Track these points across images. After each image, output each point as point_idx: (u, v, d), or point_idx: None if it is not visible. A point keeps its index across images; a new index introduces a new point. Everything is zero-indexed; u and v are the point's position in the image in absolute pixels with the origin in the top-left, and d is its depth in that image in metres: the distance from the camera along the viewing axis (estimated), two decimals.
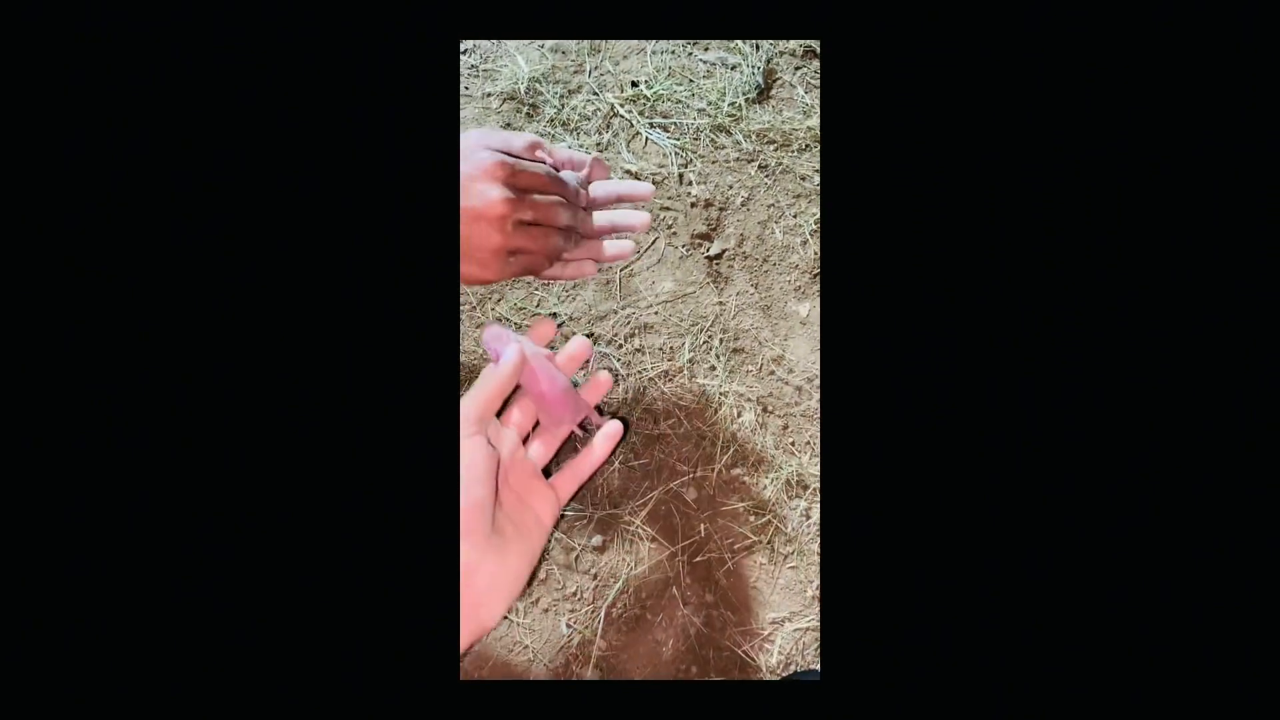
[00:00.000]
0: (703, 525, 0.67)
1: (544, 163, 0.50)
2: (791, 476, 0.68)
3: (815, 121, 0.84)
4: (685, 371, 0.72)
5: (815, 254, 0.77)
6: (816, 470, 0.68)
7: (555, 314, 0.75)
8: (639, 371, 0.72)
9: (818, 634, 0.64)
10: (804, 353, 0.74)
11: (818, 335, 0.74)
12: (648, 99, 0.85)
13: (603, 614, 0.64)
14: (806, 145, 0.83)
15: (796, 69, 0.89)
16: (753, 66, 0.87)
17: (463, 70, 0.88)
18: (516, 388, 0.43)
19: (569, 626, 0.64)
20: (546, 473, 0.44)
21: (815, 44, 0.89)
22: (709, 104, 0.85)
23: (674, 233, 0.79)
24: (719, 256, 0.78)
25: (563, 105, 0.85)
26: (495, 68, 0.88)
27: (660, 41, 0.89)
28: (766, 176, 0.82)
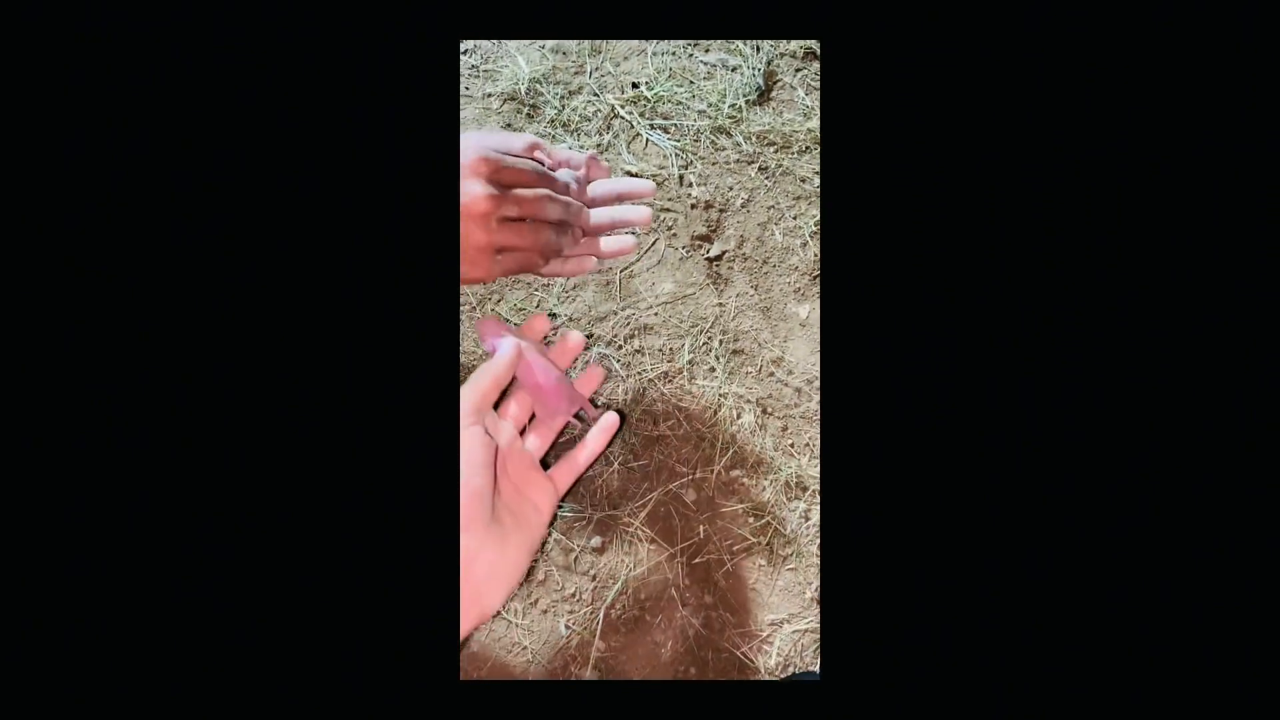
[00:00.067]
0: (702, 527, 0.67)
1: (541, 163, 0.50)
2: (791, 478, 0.68)
3: (815, 123, 0.84)
4: (685, 373, 0.72)
5: (815, 256, 0.78)
6: (816, 472, 0.68)
7: (554, 314, 0.75)
8: (638, 373, 0.72)
9: (816, 636, 0.64)
10: (803, 354, 0.74)
11: (817, 337, 0.74)
12: (648, 100, 0.85)
13: (601, 615, 0.64)
14: (807, 147, 0.83)
15: (797, 71, 0.89)
16: (753, 68, 0.87)
17: (463, 70, 0.88)
18: (512, 381, 0.43)
19: (567, 628, 0.64)
20: (545, 465, 0.44)
21: (815, 45, 0.89)
22: (709, 105, 0.85)
23: (674, 234, 0.79)
24: (719, 258, 0.78)
25: (563, 106, 0.85)
26: (495, 68, 0.88)
27: (661, 42, 0.89)
28: (767, 178, 0.82)
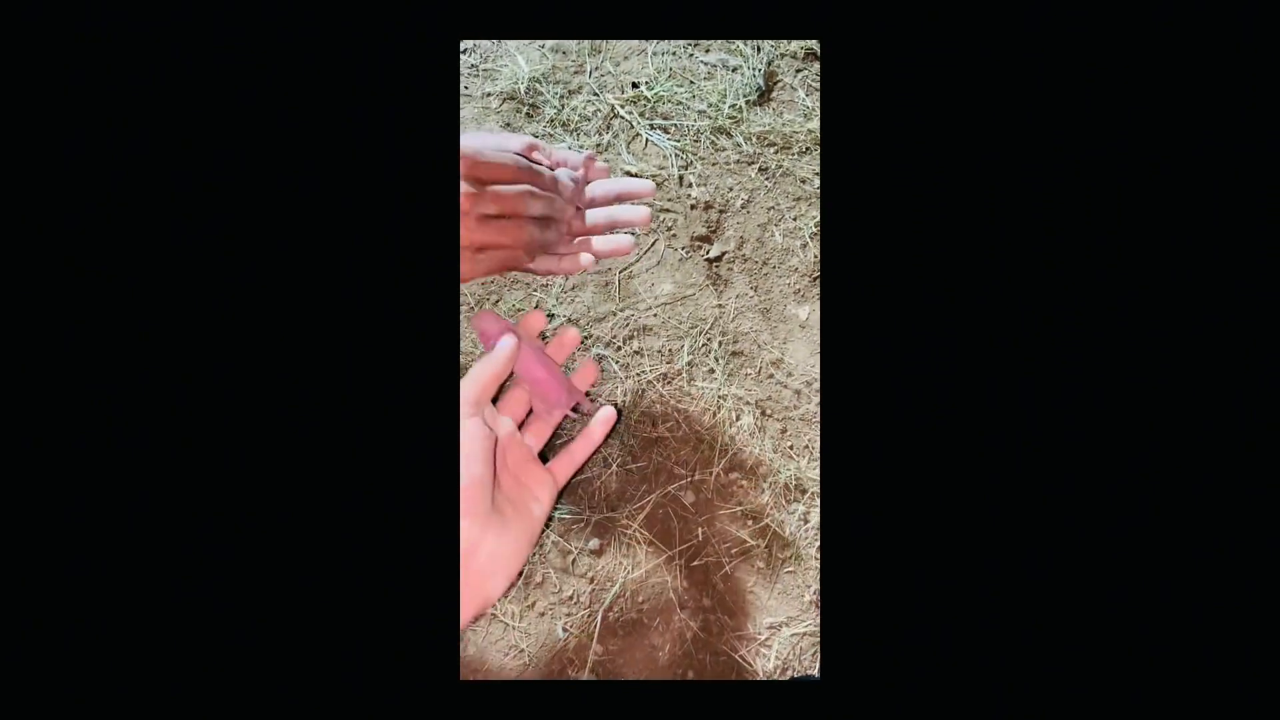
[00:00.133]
0: (700, 529, 0.67)
1: (539, 163, 0.50)
2: (790, 480, 0.68)
3: (816, 124, 0.84)
4: (684, 374, 0.72)
5: (815, 257, 0.78)
6: (815, 474, 0.68)
7: (551, 315, 0.75)
8: (637, 374, 0.72)
9: (815, 639, 0.64)
10: (803, 356, 0.74)
11: (817, 339, 0.74)
12: (648, 100, 0.85)
13: (599, 618, 0.64)
14: (807, 148, 0.84)
15: (798, 71, 0.89)
16: (754, 68, 0.87)
17: (462, 69, 0.88)
18: (510, 376, 0.44)
19: (565, 630, 0.64)
20: (543, 459, 0.45)
21: (815, 45, 0.89)
22: (709, 106, 0.85)
23: (673, 235, 0.79)
24: (719, 259, 0.78)
25: (563, 106, 0.85)
26: (495, 67, 0.88)
27: (661, 42, 0.89)
28: (767, 179, 0.82)
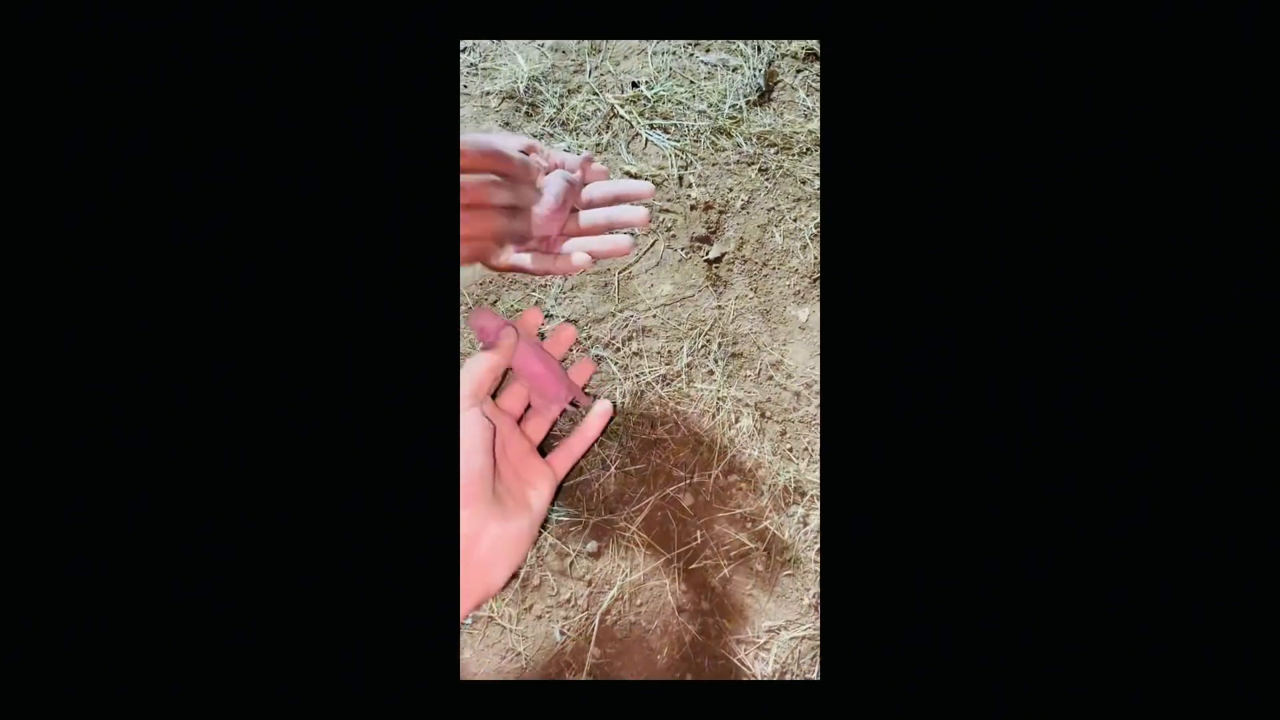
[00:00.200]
0: (699, 532, 0.67)
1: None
2: (789, 483, 0.69)
3: (816, 125, 0.85)
4: (683, 376, 0.73)
5: (815, 258, 0.78)
6: (814, 477, 0.69)
7: (550, 315, 0.75)
8: (636, 375, 0.73)
9: (814, 643, 0.64)
10: (803, 358, 0.74)
11: (817, 340, 0.74)
12: (648, 100, 0.86)
13: (597, 621, 0.64)
14: (807, 149, 0.84)
15: (798, 72, 0.89)
16: (754, 69, 0.87)
17: (461, 68, 0.88)
18: (508, 373, 0.46)
19: (562, 634, 0.64)
20: (542, 453, 0.46)
21: (815, 45, 0.90)
22: (709, 106, 0.85)
23: (673, 235, 0.79)
24: (718, 260, 0.78)
25: (562, 105, 0.85)
26: (494, 66, 0.89)
27: (661, 42, 0.89)
28: (767, 180, 0.82)
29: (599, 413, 0.48)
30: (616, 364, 0.73)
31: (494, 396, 0.47)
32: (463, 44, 0.89)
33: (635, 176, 0.81)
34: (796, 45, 0.90)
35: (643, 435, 0.70)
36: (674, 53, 0.90)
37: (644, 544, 0.67)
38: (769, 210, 0.81)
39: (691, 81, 0.87)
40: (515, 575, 0.65)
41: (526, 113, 0.85)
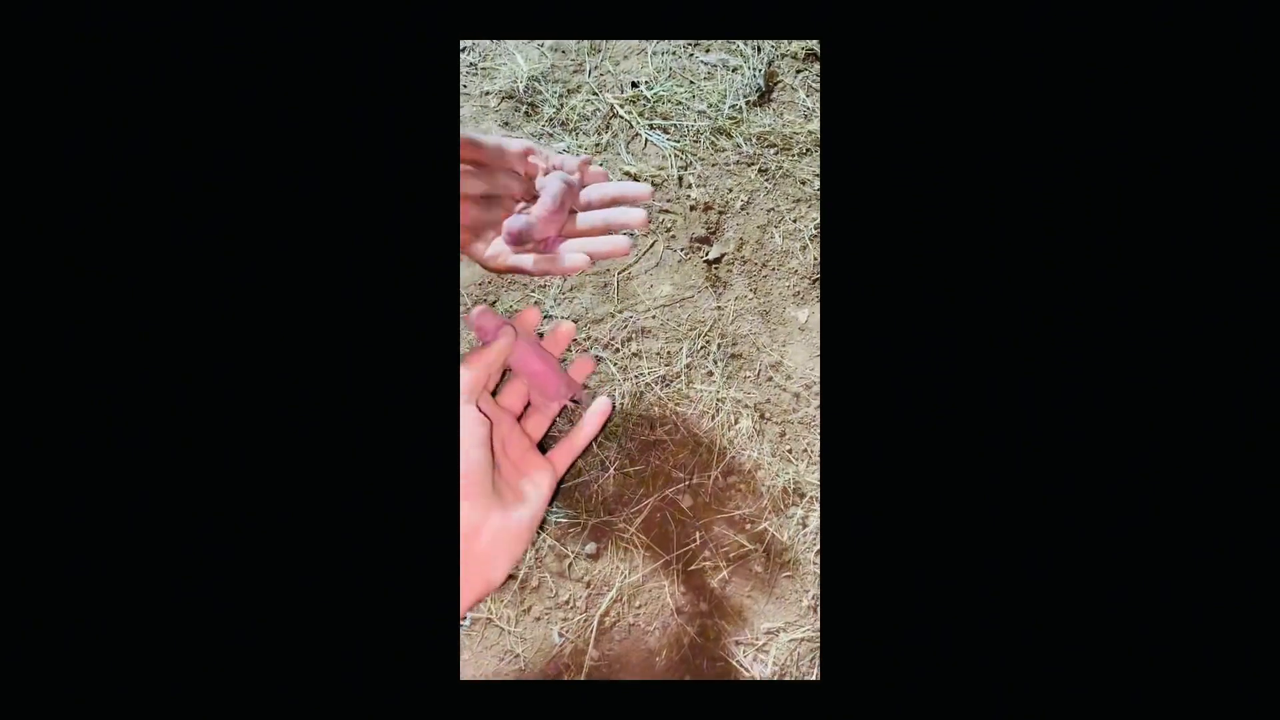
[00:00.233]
0: (698, 533, 0.67)
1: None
2: (788, 484, 0.69)
3: (816, 125, 0.85)
4: (682, 377, 0.73)
5: (815, 259, 0.78)
6: (813, 478, 0.69)
7: (549, 316, 0.75)
8: (635, 376, 0.73)
9: (813, 645, 0.64)
10: (802, 359, 0.74)
11: (817, 341, 0.75)
12: (648, 100, 0.86)
13: (595, 623, 0.64)
14: (807, 149, 0.84)
15: (798, 72, 0.89)
16: (754, 69, 0.88)
17: (461, 68, 0.88)
18: (506, 371, 0.47)
19: (561, 635, 0.64)
20: (542, 450, 0.47)
21: (815, 46, 0.90)
22: (709, 106, 0.86)
23: (672, 236, 0.79)
24: (718, 260, 0.78)
25: (562, 105, 0.86)
26: (494, 65, 0.89)
27: (661, 42, 0.90)
28: (766, 180, 0.82)
29: (598, 410, 0.49)
30: (615, 365, 0.73)
31: (494, 394, 0.48)
32: (462, 44, 0.89)
33: (635, 177, 0.81)
34: (797, 45, 0.90)
35: (642, 436, 0.71)
36: (674, 53, 0.90)
37: (643, 545, 0.67)
38: (769, 211, 0.81)
39: (691, 82, 0.88)
40: (515, 573, 0.66)
41: (526, 113, 0.86)
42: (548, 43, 0.90)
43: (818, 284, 0.77)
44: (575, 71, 0.88)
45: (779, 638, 0.64)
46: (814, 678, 0.63)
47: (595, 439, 0.70)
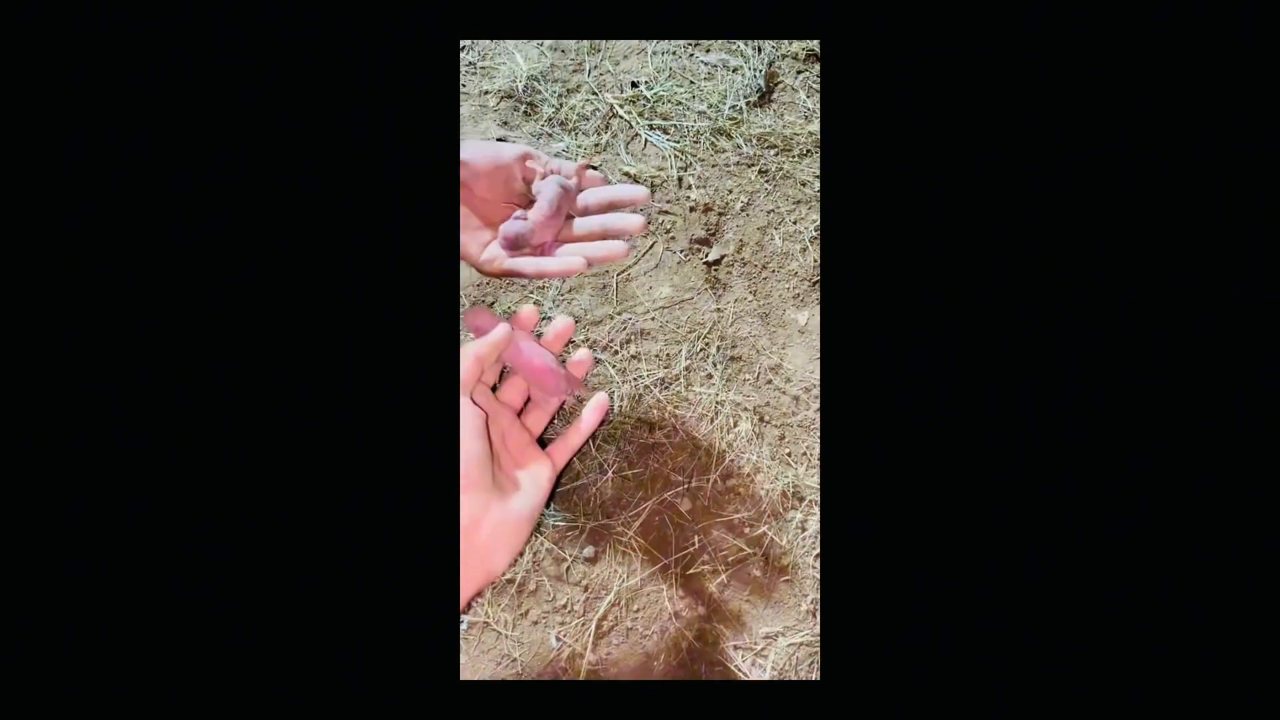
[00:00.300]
0: (696, 537, 0.67)
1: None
2: (788, 488, 0.69)
3: (817, 126, 0.85)
4: (681, 379, 0.73)
5: (815, 261, 0.78)
6: (813, 482, 0.69)
7: (547, 318, 0.75)
8: (634, 379, 0.73)
9: (812, 649, 0.64)
10: (802, 362, 0.74)
11: (816, 344, 0.75)
12: (647, 100, 0.86)
13: (593, 627, 0.64)
14: (808, 150, 0.84)
15: (799, 73, 0.90)
16: (754, 69, 0.88)
17: (460, 67, 0.88)
18: (505, 370, 0.49)
19: (558, 640, 0.64)
20: (542, 445, 0.49)
21: (816, 46, 0.90)
22: (709, 106, 0.86)
23: (672, 237, 0.80)
24: (718, 262, 0.79)
25: (561, 105, 0.86)
26: (493, 65, 0.89)
27: (661, 42, 0.90)
28: (767, 181, 0.83)
29: (595, 405, 0.50)
30: (614, 367, 0.73)
31: (494, 390, 0.49)
32: (461, 43, 0.90)
33: (634, 178, 0.82)
34: (797, 46, 0.91)
35: (640, 439, 0.71)
36: (674, 53, 0.90)
37: (641, 549, 0.67)
38: (769, 212, 0.81)
39: (691, 82, 0.88)
40: (513, 576, 0.66)
41: (525, 112, 0.86)
42: (547, 42, 0.90)
43: (818, 286, 0.77)
44: (575, 71, 0.89)
45: (777, 642, 0.65)
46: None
47: (594, 437, 0.70)
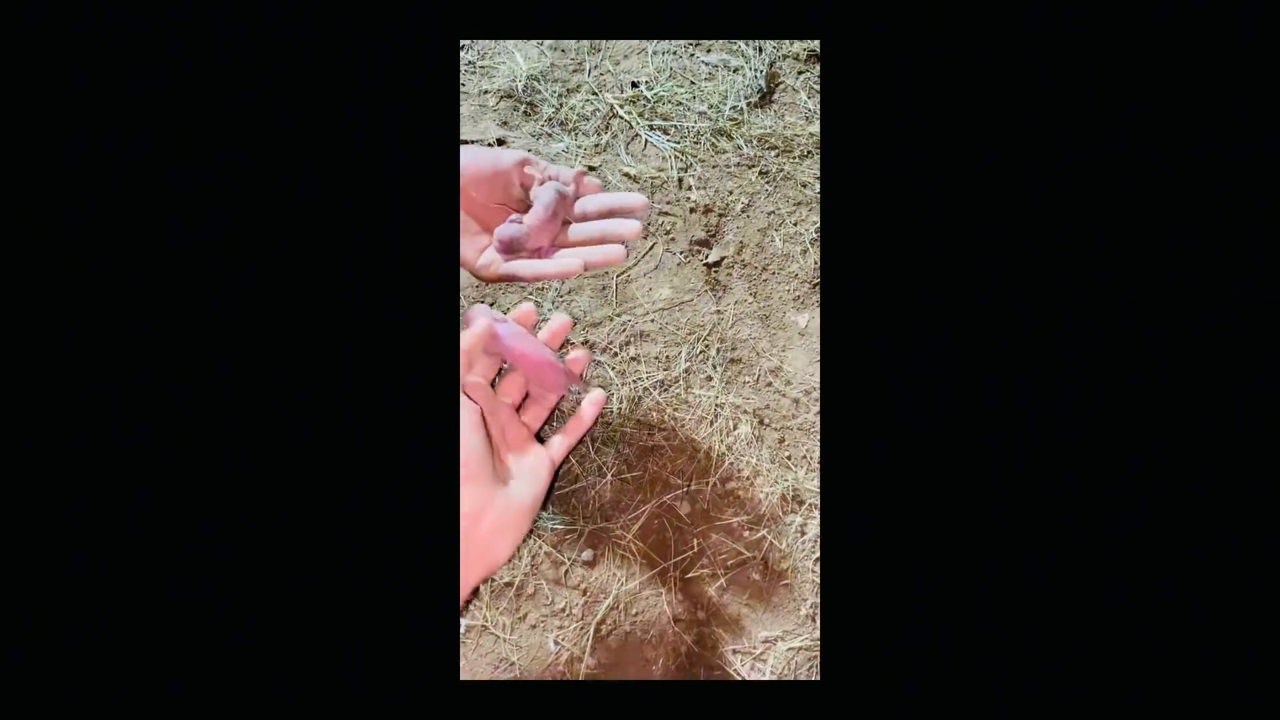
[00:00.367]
0: (695, 540, 0.68)
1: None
2: (787, 491, 0.69)
3: (818, 127, 0.85)
4: (681, 381, 0.73)
5: (815, 263, 0.79)
6: (812, 485, 0.69)
7: (545, 319, 0.75)
8: (634, 381, 0.73)
9: (812, 653, 0.64)
10: (802, 364, 0.74)
11: (816, 346, 0.75)
12: (648, 100, 0.86)
13: (591, 631, 0.64)
14: (808, 151, 0.85)
15: (800, 73, 0.90)
16: (755, 70, 0.88)
17: (459, 66, 0.89)
18: (503, 366, 0.50)
19: (556, 644, 0.64)
20: (540, 440, 0.50)
21: (816, 46, 0.91)
22: (710, 107, 0.86)
23: (672, 238, 0.80)
24: (718, 264, 0.79)
25: (561, 105, 0.86)
26: (492, 64, 0.89)
27: (662, 42, 0.90)
28: (767, 183, 0.83)
29: (593, 400, 0.52)
30: (614, 369, 0.73)
31: (493, 386, 0.50)
32: (461, 42, 0.90)
33: (634, 178, 0.82)
34: (799, 47, 0.91)
35: (639, 442, 0.71)
36: (674, 53, 0.90)
37: (640, 553, 0.67)
38: (769, 214, 0.81)
39: (692, 82, 0.88)
40: (511, 579, 0.66)
41: (525, 112, 0.86)
42: (547, 41, 0.90)
43: (818, 288, 0.77)
44: (575, 71, 0.89)
45: (777, 646, 0.65)
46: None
47: (592, 440, 0.70)
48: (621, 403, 0.72)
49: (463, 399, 0.42)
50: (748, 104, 0.87)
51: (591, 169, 0.83)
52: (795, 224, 0.81)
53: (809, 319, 0.76)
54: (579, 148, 0.83)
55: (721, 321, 0.76)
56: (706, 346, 0.75)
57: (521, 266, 0.52)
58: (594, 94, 0.87)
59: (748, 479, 0.70)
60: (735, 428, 0.71)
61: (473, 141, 0.83)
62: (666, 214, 0.81)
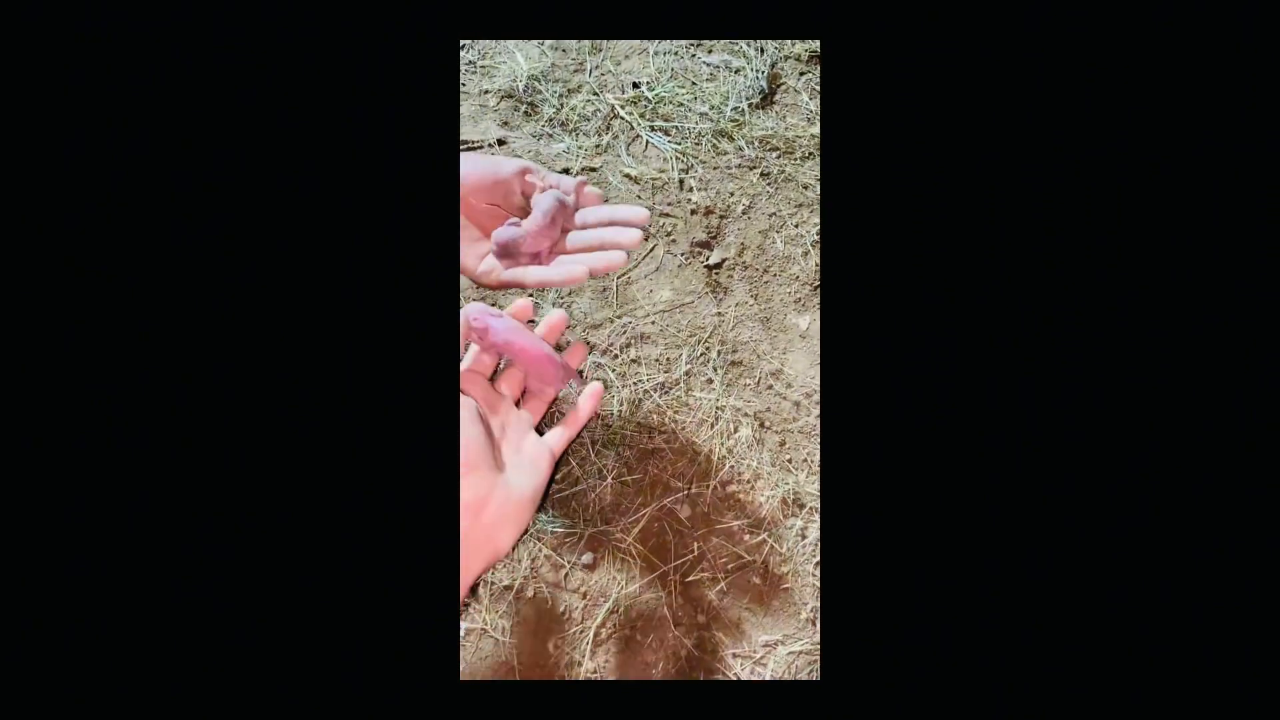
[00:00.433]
0: (696, 544, 0.68)
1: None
2: (788, 494, 0.69)
3: (819, 129, 0.86)
4: (682, 384, 0.73)
5: (816, 265, 0.79)
6: (813, 489, 0.69)
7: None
8: (634, 383, 0.73)
9: (812, 658, 0.64)
10: (803, 367, 0.75)
11: (817, 349, 0.75)
12: (649, 101, 0.86)
13: (591, 634, 0.64)
14: (810, 153, 0.85)
15: (801, 74, 0.90)
16: (757, 71, 0.88)
17: (459, 66, 0.89)
18: (500, 363, 0.51)
19: (555, 647, 0.64)
20: (539, 435, 0.50)
21: (817, 47, 0.91)
22: (711, 108, 0.86)
23: (673, 240, 0.80)
24: (718, 266, 0.79)
25: (562, 105, 0.86)
26: (493, 64, 0.89)
27: (663, 42, 0.90)
28: (769, 184, 0.83)
29: (590, 393, 0.53)
30: (614, 371, 0.74)
31: (491, 380, 0.51)
32: (461, 42, 0.90)
33: (635, 179, 0.82)
34: (800, 47, 0.91)
35: (640, 444, 0.71)
36: (675, 53, 0.91)
37: (640, 556, 0.67)
38: (770, 216, 0.82)
39: (693, 83, 0.88)
40: (511, 582, 0.66)
41: (525, 112, 0.86)
42: (548, 41, 0.90)
43: (819, 291, 0.78)
44: (576, 71, 0.89)
45: (777, 650, 0.65)
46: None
47: (592, 442, 0.70)
48: (622, 405, 0.72)
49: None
50: (749, 105, 0.87)
51: (592, 170, 0.83)
52: (797, 226, 0.81)
53: (810, 321, 0.77)
54: (580, 148, 0.84)
55: (722, 324, 0.76)
56: (707, 349, 0.75)
57: (528, 274, 0.52)
58: (595, 94, 0.87)
59: (748, 482, 0.70)
60: (736, 431, 0.72)
61: (474, 144, 0.83)
62: (667, 215, 0.81)
